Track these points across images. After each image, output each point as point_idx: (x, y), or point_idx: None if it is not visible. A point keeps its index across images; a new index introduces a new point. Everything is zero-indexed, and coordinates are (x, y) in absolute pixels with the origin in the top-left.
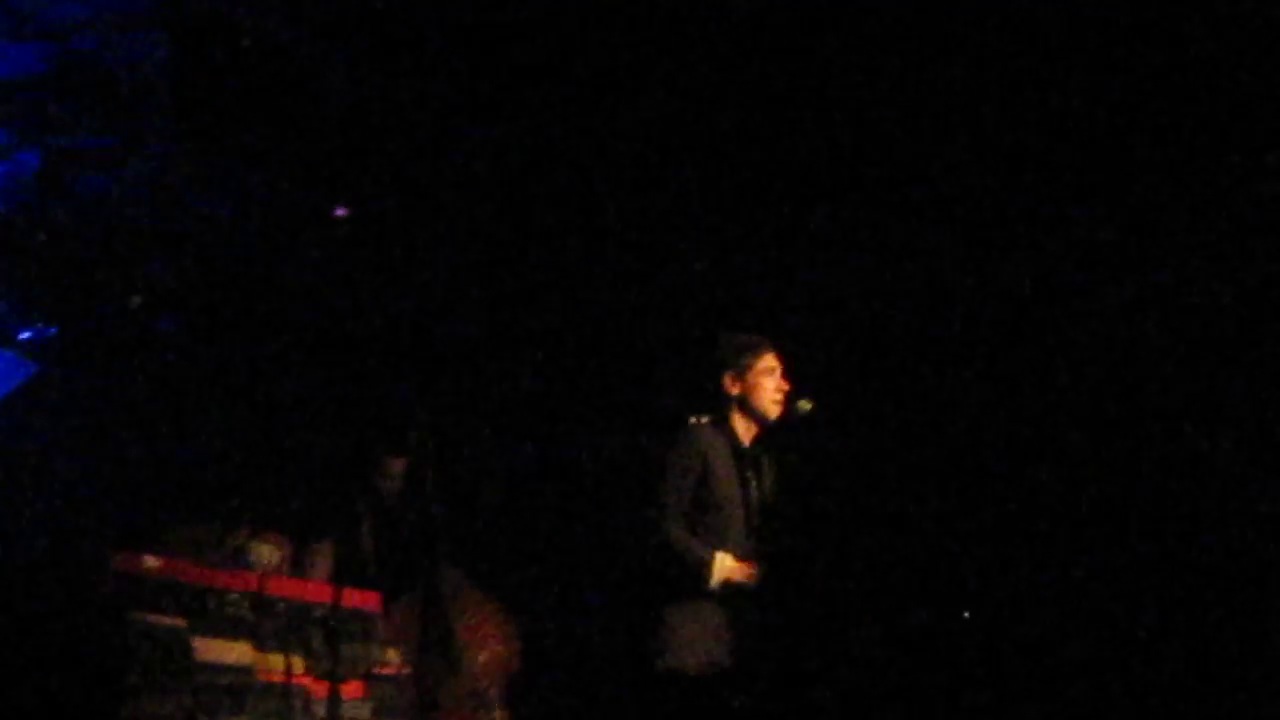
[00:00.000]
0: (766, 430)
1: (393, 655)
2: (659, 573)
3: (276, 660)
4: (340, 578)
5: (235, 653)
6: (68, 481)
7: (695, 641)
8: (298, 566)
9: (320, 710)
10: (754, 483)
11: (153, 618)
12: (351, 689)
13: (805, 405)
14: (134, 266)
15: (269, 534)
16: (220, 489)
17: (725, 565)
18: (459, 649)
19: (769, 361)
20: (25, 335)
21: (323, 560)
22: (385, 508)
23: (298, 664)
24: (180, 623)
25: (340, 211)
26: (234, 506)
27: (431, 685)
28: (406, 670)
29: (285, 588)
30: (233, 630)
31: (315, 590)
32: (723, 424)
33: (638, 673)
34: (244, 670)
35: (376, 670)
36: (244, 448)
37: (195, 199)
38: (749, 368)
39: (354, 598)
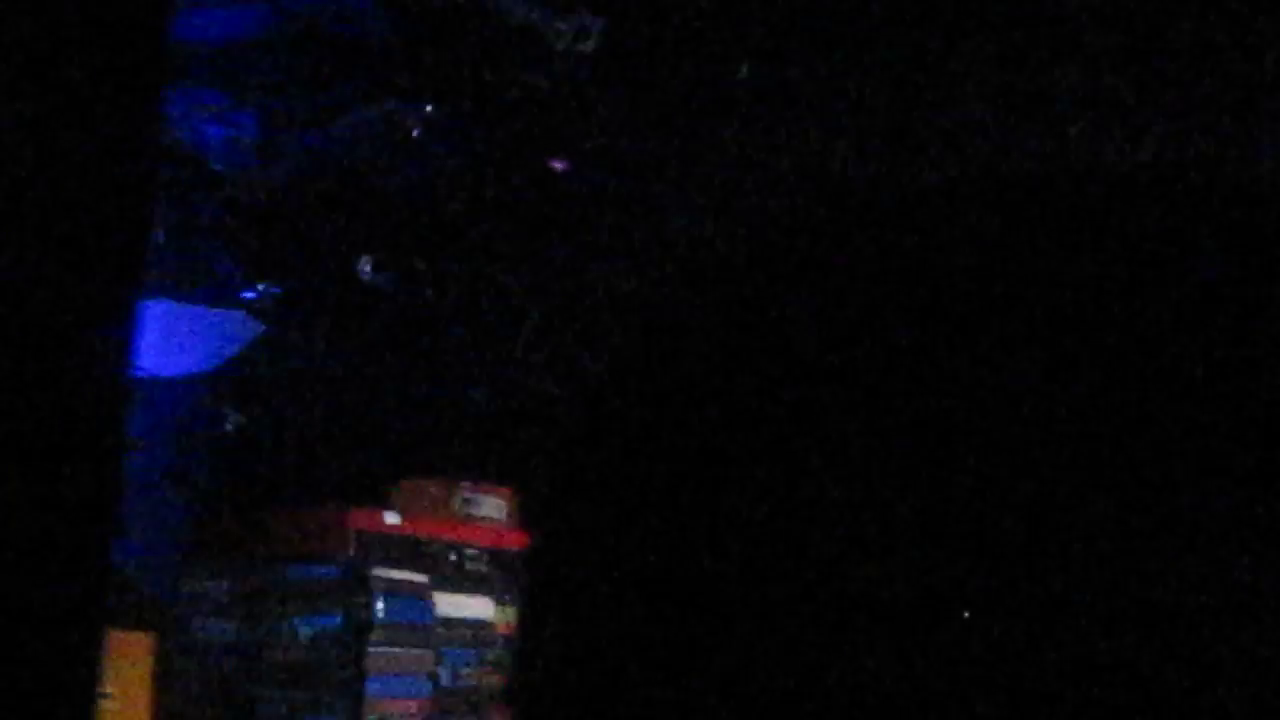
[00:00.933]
0: None
1: None
2: None
3: (514, 614)
4: None
5: (475, 607)
6: (304, 441)
7: None
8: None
9: None
10: None
11: (395, 573)
12: None
13: None
14: (356, 225)
15: (493, 487)
16: (444, 444)
17: None
18: None
19: None
20: (249, 295)
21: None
22: None
23: None
24: (421, 578)
25: (558, 164)
26: (457, 461)
27: None
28: None
29: (520, 541)
30: (472, 585)
31: None
32: None
33: None
34: (483, 624)
35: None
36: (467, 403)
37: (417, 156)
38: None
39: None
